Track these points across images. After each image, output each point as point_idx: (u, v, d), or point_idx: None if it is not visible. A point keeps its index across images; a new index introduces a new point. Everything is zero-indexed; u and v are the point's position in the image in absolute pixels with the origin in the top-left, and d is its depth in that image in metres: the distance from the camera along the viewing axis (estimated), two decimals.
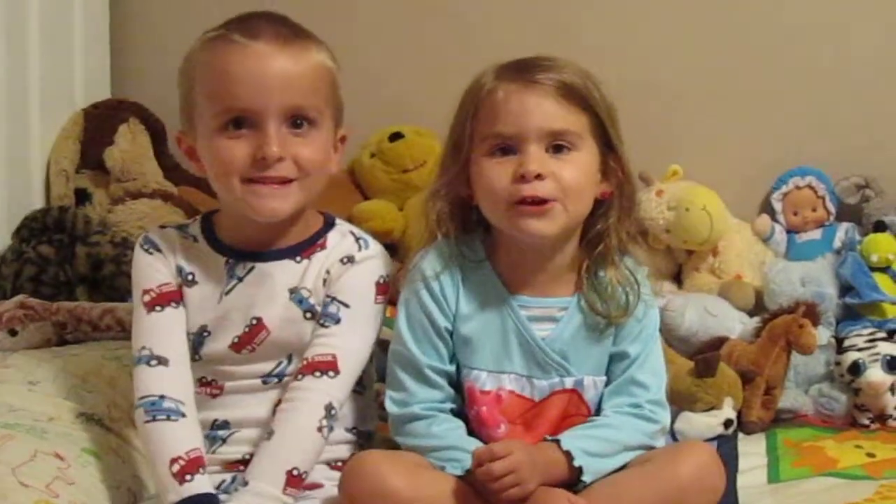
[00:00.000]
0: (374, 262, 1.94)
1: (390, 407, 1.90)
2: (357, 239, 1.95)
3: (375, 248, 1.96)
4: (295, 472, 1.79)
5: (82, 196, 3.03)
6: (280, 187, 1.82)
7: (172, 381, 1.86)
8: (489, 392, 1.90)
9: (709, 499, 1.82)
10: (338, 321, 1.89)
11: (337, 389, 1.86)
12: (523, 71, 1.85)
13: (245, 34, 1.81)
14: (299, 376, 1.86)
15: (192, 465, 1.77)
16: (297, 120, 1.82)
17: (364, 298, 1.92)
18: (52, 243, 2.74)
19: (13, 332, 2.44)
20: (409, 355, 1.90)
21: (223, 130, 1.81)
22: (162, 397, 1.83)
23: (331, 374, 1.85)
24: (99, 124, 3.07)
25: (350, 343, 1.89)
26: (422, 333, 1.90)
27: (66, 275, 2.73)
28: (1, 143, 2.79)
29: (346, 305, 1.89)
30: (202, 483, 1.77)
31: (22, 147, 2.90)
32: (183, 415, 1.83)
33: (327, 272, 1.90)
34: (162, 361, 1.86)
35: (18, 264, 2.71)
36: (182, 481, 1.76)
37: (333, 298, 1.89)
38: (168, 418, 1.82)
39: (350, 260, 1.91)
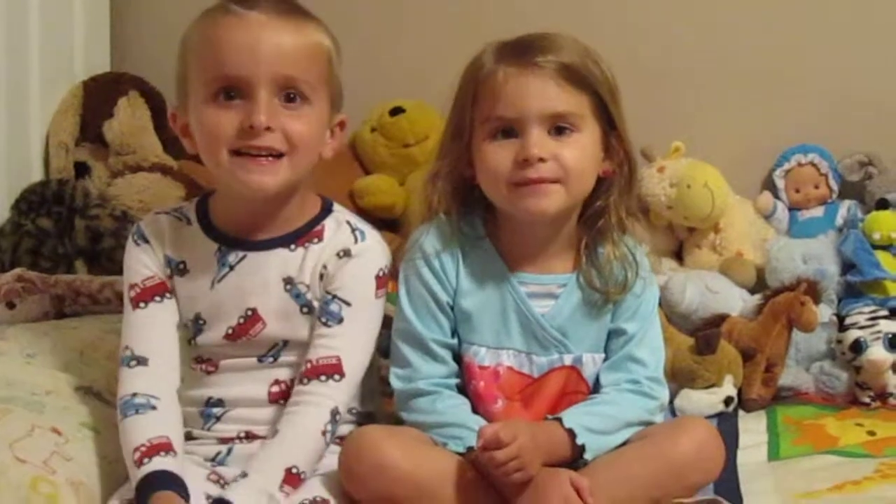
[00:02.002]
0: (371, 254, 1.90)
1: (395, 383, 1.91)
2: (353, 229, 1.91)
3: (372, 238, 1.92)
4: (294, 471, 1.77)
5: (81, 169, 3.02)
6: (269, 162, 1.78)
7: (148, 378, 1.85)
8: (487, 367, 1.91)
9: (708, 474, 1.84)
10: (340, 320, 1.87)
11: (342, 393, 1.85)
12: (523, 52, 1.84)
13: (241, 4, 1.80)
14: (304, 380, 1.85)
15: (153, 450, 1.75)
16: (290, 93, 1.79)
17: (365, 295, 1.89)
18: (50, 216, 2.74)
19: (11, 305, 2.43)
20: (413, 330, 1.90)
21: (213, 100, 1.78)
22: (134, 395, 1.82)
23: (336, 377, 1.84)
24: (98, 97, 3.06)
25: (353, 344, 1.88)
26: (423, 308, 1.91)
27: (65, 248, 2.72)
28: (0, 115, 2.78)
29: (348, 304, 1.87)
30: (159, 463, 1.74)
31: (21, 120, 2.90)
32: (153, 407, 1.82)
33: (324, 267, 1.88)
34: (141, 361, 1.86)
35: (17, 237, 2.70)
36: (140, 465, 1.74)
37: (334, 296, 1.87)
38: (136, 412, 1.81)
39: (347, 254, 1.88)
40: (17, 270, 2.53)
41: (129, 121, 3.03)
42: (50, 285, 2.49)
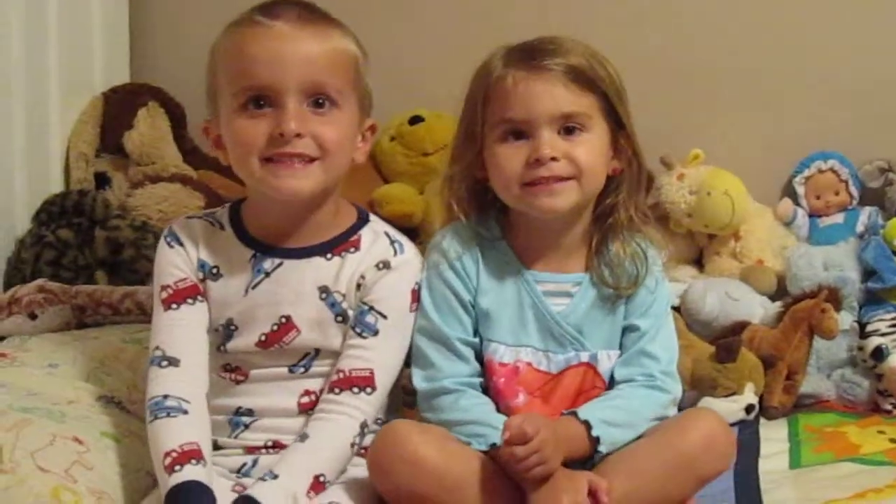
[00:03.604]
0: (409, 268, 1.93)
1: (419, 383, 1.92)
2: (392, 241, 1.93)
3: (410, 251, 1.94)
4: (321, 479, 1.79)
5: (102, 180, 3.03)
6: (301, 166, 1.80)
7: (180, 380, 1.84)
8: (507, 364, 1.92)
9: (719, 464, 1.85)
10: (375, 333, 1.88)
11: (372, 406, 1.87)
12: (531, 56, 1.87)
13: (266, 15, 1.81)
14: (336, 389, 1.86)
15: (184, 457, 1.75)
16: (318, 99, 1.81)
17: (401, 309, 1.91)
18: (71, 227, 2.75)
19: (33, 316, 2.44)
20: (436, 330, 1.91)
21: (243, 110, 1.80)
22: (165, 397, 1.81)
23: (368, 390, 1.86)
24: (118, 108, 3.07)
25: (387, 357, 1.89)
26: (446, 308, 1.92)
27: (86, 258, 2.73)
28: (20, 127, 2.80)
29: (384, 316, 1.88)
30: (190, 472, 1.73)
31: (41, 131, 2.91)
32: (185, 412, 1.81)
33: (362, 277, 1.89)
34: (172, 362, 1.85)
35: (38, 248, 2.71)
36: (171, 472, 1.73)
37: (371, 307, 1.88)
38: (168, 415, 1.80)
39: (386, 266, 1.90)
40: (39, 281, 2.54)
41: (148, 131, 3.05)
42: (71, 296, 2.50)
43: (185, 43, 3.09)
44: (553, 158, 1.83)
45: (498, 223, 1.96)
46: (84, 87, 3.09)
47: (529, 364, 1.92)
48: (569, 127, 1.85)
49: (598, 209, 1.95)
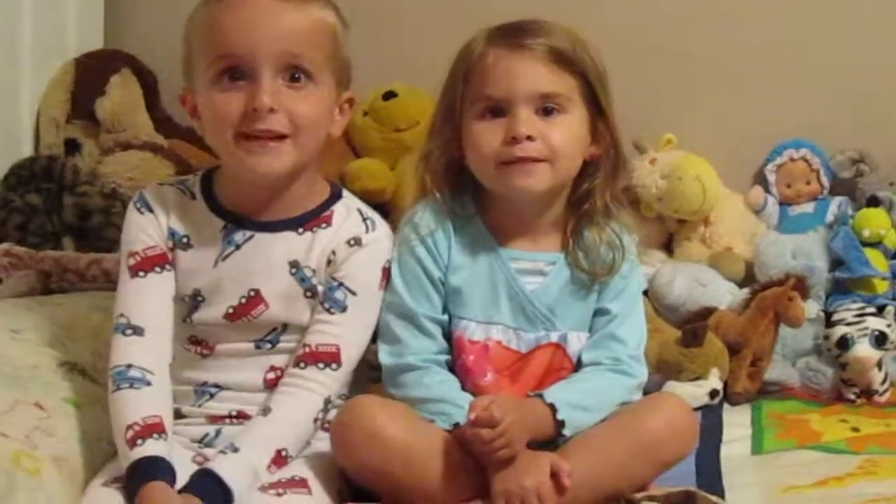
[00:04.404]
0: (380, 245, 1.92)
1: (384, 358, 1.92)
2: (364, 218, 1.92)
3: (382, 229, 1.94)
4: (283, 453, 1.79)
5: (72, 146, 3.01)
6: (274, 144, 1.79)
7: (144, 350, 1.83)
8: (477, 342, 1.92)
9: (682, 449, 1.87)
10: (344, 309, 1.88)
11: (337, 382, 1.87)
12: (513, 35, 1.88)
13: None
14: (301, 364, 1.86)
15: (146, 431, 1.74)
16: (294, 73, 1.80)
17: (371, 286, 1.91)
18: (39, 192, 2.74)
19: None
20: (404, 305, 1.91)
21: (217, 82, 1.79)
22: (129, 366, 1.81)
23: (333, 366, 1.86)
24: (91, 74, 3.05)
25: (354, 334, 1.89)
26: (415, 284, 1.92)
27: (53, 224, 2.72)
28: None
29: (354, 293, 1.88)
30: (152, 447, 1.73)
31: (12, 95, 2.90)
32: (148, 383, 1.80)
33: (333, 253, 1.88)
34: (137, 331, 1.84)
35: (5, 212, 2.70)
36: (133, 446, 1.73)
37: (341, 284, 1.88)
38: (131, 386, 1.80)
39: (357, 242, 1.89)
40: (5, 245, 2.53)
41: (120, 98, 3.03)
42: (37, 261, 2.49)
43: (159, 10, 3.07)
44: (529, 137, 1.84)
45: (473, 200, 1.96)
46: (56, 51, 3.06)
47: (500, 342, 1.93)
48: (547, 107, 1.86)
49: (574, 193, 1.95)
